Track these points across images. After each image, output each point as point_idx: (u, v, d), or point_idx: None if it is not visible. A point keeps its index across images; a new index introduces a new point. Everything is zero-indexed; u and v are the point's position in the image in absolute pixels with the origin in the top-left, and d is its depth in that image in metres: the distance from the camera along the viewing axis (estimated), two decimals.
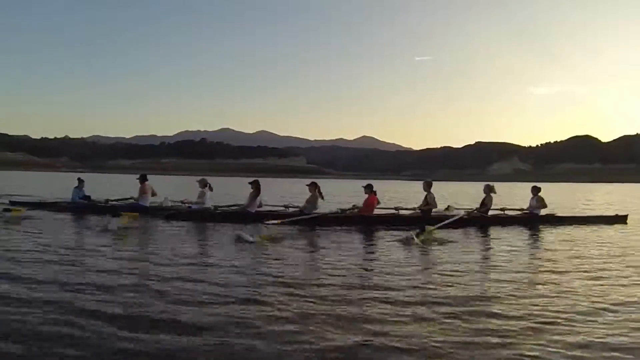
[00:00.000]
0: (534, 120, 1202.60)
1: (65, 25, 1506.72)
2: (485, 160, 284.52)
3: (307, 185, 14.48)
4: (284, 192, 34.47)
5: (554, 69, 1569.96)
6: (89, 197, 16.21)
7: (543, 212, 15.10)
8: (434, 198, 14.29)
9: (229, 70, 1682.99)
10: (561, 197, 33.51)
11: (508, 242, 10.86)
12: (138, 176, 15.43)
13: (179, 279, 6.39)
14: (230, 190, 33.51)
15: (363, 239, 11.31)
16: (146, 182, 15.14)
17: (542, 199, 14.93)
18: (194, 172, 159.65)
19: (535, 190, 15.03)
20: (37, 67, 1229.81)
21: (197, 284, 6.11)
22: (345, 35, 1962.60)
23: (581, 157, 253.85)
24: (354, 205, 14.63)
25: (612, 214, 16.73)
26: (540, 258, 8.85)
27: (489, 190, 14.64)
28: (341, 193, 36.88)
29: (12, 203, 16.45)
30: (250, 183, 14.44)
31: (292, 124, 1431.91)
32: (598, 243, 10.74)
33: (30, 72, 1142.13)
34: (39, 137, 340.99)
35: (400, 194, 31.07)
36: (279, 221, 11.75)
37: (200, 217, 13.81)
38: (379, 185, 17.19)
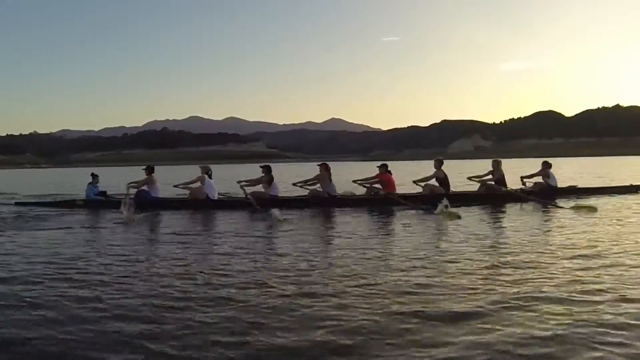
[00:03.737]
0: (501, 96, 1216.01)
1: (32, 21, 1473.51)
2: (450, 138, 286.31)
3: (317, 165, 14.35)
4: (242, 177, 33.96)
5: (524, 44, 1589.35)
6: (104, 192, 15.09)
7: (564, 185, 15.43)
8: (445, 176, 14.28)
9: (196, 57, 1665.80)
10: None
11: (527, 215, 11.26)
12: (145, 167, 14.58)
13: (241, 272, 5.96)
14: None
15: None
16: (153, 174, 14.28)
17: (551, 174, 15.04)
18: (157, 162, 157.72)
19: (546, 165, 15.00)
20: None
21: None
22: (313, 17, 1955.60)
23: (543, 133, 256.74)
24: (372, 181, 14.43)
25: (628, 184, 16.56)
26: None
27: (497, 165, 14.73)
28: (292, 176, 37.05)
29: (18, 204, 15.49)
30: (261, 167, 14.17)
31: (261, 110, 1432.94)
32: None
33: None
34: (4, 135, 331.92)
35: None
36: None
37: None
38: (338, 167, 17.17)
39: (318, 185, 14.14)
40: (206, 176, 13.81)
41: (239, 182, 14.08)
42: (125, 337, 3.88)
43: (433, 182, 14.20)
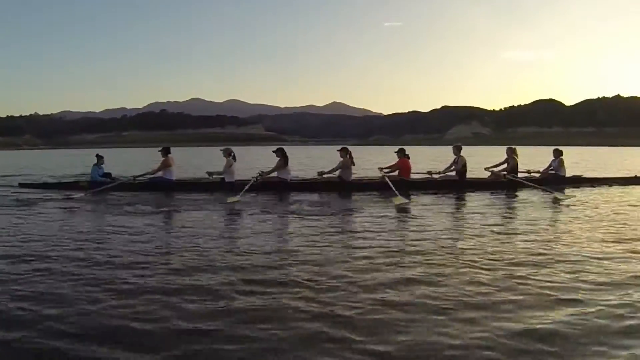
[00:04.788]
0: (503, 85, 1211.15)
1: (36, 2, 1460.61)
2: (450, 124, 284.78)
3: (338, 150, 14.51)
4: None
5: (527, 34, 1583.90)
6: (109, 174, 15.07)
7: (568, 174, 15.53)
8: (465, 161, 14.60)
9: (198, 39, 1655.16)
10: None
11: (540, 204, 11.40)
12: (160, 149, 14.50)
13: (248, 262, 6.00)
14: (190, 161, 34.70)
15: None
16: (169, 155, 14.26)
17: (562, 162, 15.32)
18: (155, 143, 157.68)
19: (558, 153, 15.36)
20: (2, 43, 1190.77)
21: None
22: (317, 1, 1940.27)
23: (542, 121, 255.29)
24: (391, 167, 14.65)
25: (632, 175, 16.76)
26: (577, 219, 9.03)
27: (511, 152, 14.97)
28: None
29: (22, 185, 15.49)
30: (274, 152, 14.10)
31: (263, 92, 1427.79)
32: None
33: None
34: (4, 116, 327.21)
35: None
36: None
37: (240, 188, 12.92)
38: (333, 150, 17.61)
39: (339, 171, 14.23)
40: (232, 160, 14.01)
41: (259, 176, 13.92)
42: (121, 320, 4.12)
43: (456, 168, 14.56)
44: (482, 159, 29.64)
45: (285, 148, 14.56)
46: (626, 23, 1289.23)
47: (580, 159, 37.87)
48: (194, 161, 37.34)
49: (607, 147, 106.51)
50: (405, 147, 15.15)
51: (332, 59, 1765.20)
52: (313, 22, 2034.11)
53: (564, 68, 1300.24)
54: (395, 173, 14.27)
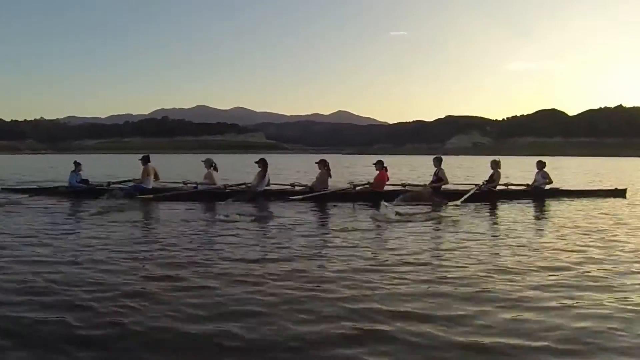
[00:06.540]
0: (507, 95, 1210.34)
1: (49, 7, 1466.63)
2: (452, 133, 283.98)
3: (316, 162, 14.53)
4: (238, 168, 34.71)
5: (530, 46, 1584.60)
6: (87, 180, 15.48)
7: (548, 186, 15.24)
8: (445, 173, 14.70)
9: (205, 47, 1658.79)
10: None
11: (518, 216, 11.36)
12: (140, 157, 14.95)
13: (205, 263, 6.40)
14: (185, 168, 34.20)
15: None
16: (149, 164, 14.73)
17: (547, 174, 15.09)
18: (155, 150, 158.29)
19: (541, 165, 15.21)
20: (12, 48, 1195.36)
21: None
22: (324, 10, 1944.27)
23: (543, 131, 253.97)
24: (368, 182, 14.75)
25: (612, 187, 16.86)
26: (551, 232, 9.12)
27: (495, 165, 14.77)
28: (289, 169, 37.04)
29: (4, 190, 15.74)
30: (257, 162, 14.38)
31: (269, 100, 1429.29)
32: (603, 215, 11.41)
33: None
34: (8, 120, 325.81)
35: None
36: (301, 197, 13.09)
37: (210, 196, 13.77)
38: (337, 160, 16.54)
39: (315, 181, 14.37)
40: (212, 171, 14.43)
41: (247, 186, 14.38)
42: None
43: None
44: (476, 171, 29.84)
45: (285, 157, 14.92)
46: (630, 33, 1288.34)
47: (574, 170, 37.77)
48: (189, 169, 37.81)
49: (607, 158, 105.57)
50: (405, 157, 15.28)
51: (339, 68, 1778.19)
52: (320, 31, 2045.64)
53: (568, 78, 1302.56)
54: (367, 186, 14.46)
